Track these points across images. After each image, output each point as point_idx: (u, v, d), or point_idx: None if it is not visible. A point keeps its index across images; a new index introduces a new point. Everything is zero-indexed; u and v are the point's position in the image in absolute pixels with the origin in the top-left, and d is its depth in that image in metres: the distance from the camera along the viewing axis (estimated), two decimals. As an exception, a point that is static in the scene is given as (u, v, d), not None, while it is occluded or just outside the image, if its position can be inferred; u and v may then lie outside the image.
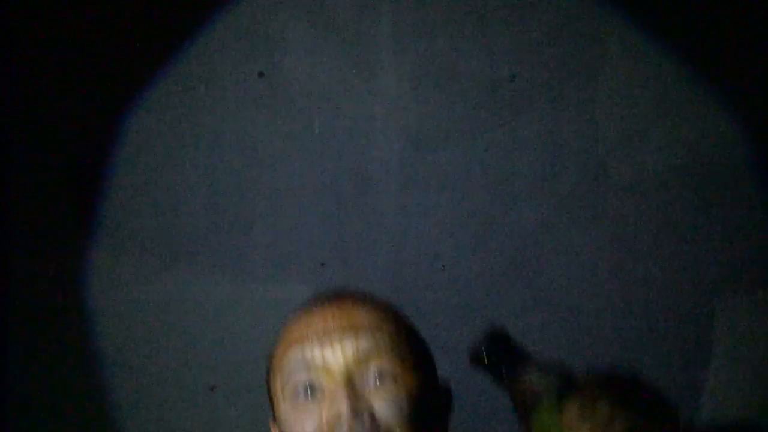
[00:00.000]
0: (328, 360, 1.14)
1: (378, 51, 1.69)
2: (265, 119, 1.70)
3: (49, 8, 1.74)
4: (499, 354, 1.04)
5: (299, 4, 1.71)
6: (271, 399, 1.20)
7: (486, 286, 1.65)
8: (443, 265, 1.66)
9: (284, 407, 1.16)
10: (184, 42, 1.73)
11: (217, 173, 1.70)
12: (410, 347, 1.16)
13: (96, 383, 1.68)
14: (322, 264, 1.68)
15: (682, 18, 1.61)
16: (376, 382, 1.13)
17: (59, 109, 1.75)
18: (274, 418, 1.20)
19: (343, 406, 1.09)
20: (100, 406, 1.66)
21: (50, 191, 1.75)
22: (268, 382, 1.21)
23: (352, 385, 1.12)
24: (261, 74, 1.71)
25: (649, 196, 1.62)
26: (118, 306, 1.69)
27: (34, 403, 1.68)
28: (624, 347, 1.62)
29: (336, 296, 1.20)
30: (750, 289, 1.57)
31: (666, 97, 1.57)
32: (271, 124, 1.70)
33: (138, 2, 1.74)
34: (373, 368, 1.13)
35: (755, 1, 1.57)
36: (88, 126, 1.74)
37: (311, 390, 1.13)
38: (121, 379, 1.68)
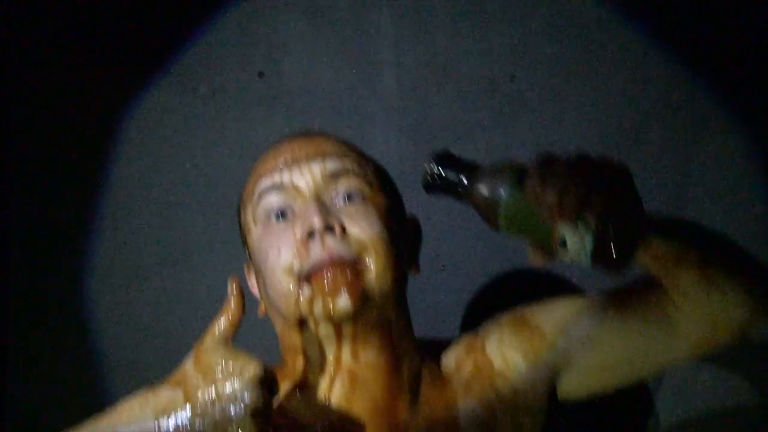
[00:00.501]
0: (297, 182, 1.16)
1: (378, 51, 1.69)
2: (265, 119, 1.70)
3: (49, 8, 1.74)
4: (449, 170, 1.03)
5: (299, 4, 1.71)
6: (244, 238, 1.22)
7: (486, 286, 1.65)
8: (443, 265, 1.66)
9: (256, 233, 1.18)
10: (185, 42, 1.73)
11: (217, 173, 1.70)
12: (377, 173, 1.21)
13: (96, 383, 1.68)
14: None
15: (682, 17, 1.61)
16: (345, 201, 1.16)
17: (59, 109, 1.75)
18: (249, 257, 1.22)
19: (315, 220, 1.11)
20: (100, 405, 1.66)
21: (50, 191, 1.75)
22: (239, 221, 1.24)
23: (321, 202, 1.14)
24: (261, 74, 1.71)
25: (648, 195, 1.61)
26: (118, 306, 1.69)
27: (34, 403, 1.68)
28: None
29: (302, 131, 1.25)
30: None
31: (666, 97, 1.57)
32: (271, 124, 1.70)
33: (138, 2, 1.74)
34: (342, 188, 1.16)
35: (755, 1, 1.57)
36: (88, 126, 1.74)
37: (282, 214, 1.16)
38: (121, 379, 1.68)
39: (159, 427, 0.99)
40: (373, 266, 1.12)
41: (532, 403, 1.19)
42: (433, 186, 1.05)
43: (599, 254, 0.95)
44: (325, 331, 1.13)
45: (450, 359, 1.23)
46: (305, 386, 1.17)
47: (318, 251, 1.11)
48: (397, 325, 1.17)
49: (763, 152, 1.57)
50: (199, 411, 0.98)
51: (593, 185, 0.94)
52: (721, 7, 1.58)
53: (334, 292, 1.10)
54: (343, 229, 1.13)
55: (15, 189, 1.76)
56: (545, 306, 1.24)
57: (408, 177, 1.66)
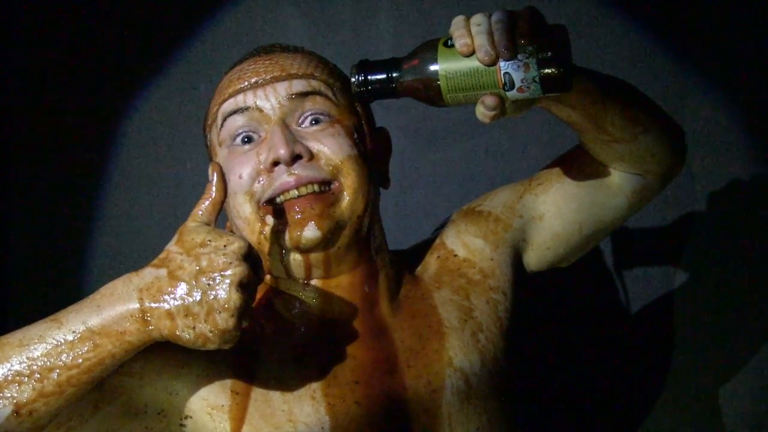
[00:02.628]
0: (261, 104, 1.14)
1: (378, 51, 1.69)
2: (265, 119, 1.70)
3: (51, 7, 1.74)
4: (375, 73, 1.03)
5: (299, 4, 1.71)
6: (210, 158, 1.20)
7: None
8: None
9: (222, 155, 1.16)
10: (185, 42, 1.73)
11: (217, 173, 1.70)
12: (345, 91, 1.17)
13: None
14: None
15: (682, 17, 1.61)
16: (312, 123, 1.14)
17: (59, 108, 1.75)
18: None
19: (281, 152, 1.09)
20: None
21: (50, 191, 1.75)
22: (206, 142, 1.22)
23: (287, 127, 1.12)
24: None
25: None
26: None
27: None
28: (625, 349, 1.62)
29: (266, 48, 1.21)
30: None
31: (666, 97, 1.57)
32: (271, 124, 1.69)
33: (138, 2, 1.74)
34: (308, 110, 1.14)
35: (755, 1, 1.57)
36: (88, 126, 1.74)
37: (248, 138, 1.14)
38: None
39: (143, 304, 0.95)
40: (346, 191, 1.12)
41: (502, 282, 1.22)
42: (368, 93, 1.04)
43: (546, 76, 0.97)
44: (292, 257, 1.12)
45: (416, 261, 1.25)
46: (278, 294, 1.16)
47: (284, 177, 1.10)
48: (371, 241, 1.17)
49: (764, 151, 1.57)
50: (184, 287, 0.95)
51: (515, 16, 0.97)
52: (721, 6, 1.58)
53: (301, 224, 1.09)
54: (311, 155, 1.11)
55: (15, 189, 1.76)
56: (489, 196, 1.29)
57: (409, 176, 1.67)
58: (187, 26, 1.73)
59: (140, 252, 1.71)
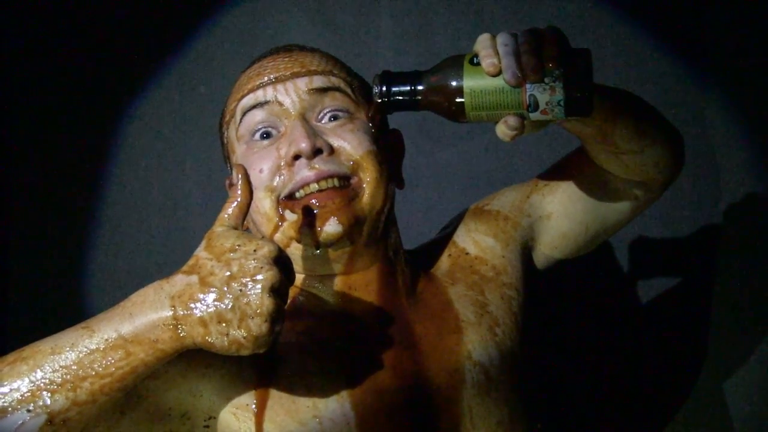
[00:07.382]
0: (281, 99, 1.14)
1: (378, 51, 1.69)
2: (266, 119, 1.70)
3: (51, 7, 1.75)
4: (398, 85, 1.03)
5: (299, 4, 1.71)
6: (226, 154, 1.21)
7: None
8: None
9: (240, 151, 1.16)
10: (185, 42, 1.73)
11: (217, 173, 1.70)
12: (362, 87, 1.19)
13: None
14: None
15: (681, 17, 1.61)
16: (331, 119, 1.15)
17: (60, 108, 1.75)
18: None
19: (303, 145, 1.10)
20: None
21: (50, 191, 1.75)
22: (222, 140, 1.22)
23: (308, 122, 1.13)
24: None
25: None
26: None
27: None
28: (627, 349, 1.62)
29: (284, 47, 1.22)
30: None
31: (665, 97, 1.57)
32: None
33: (138, 2, 1.74)
34: (327, 106, 1.15)
35: (754, 2, 1.57)
36: (88, 126, 1.74)
37: (267, 134, 1.14)
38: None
39: (175, 311, 0.94)
40: (366, 186, 1.12)
41: (514, 278, 1.23)
42: (389, 104, 1.03)
43: (571, 101, 0.97)
44: (312, 253, 1.12)
45: (427, 259, 1.26)
46: (298, 290, 1.16)
47: (305, 171, 1.10)
48: (388, 238, 1.18)
49: (763, 150, 1.57)
50: (216, 293, 0.94)
51: (542, 38, 0.97)
52: (720, 6, 1.59)
53: (322, 218, 1.09)
54: (332, 150, 1.12)
55: (15, 189, 1.76)
56: (496, 195, 1.30)
57: (410, 176, 1.66)
58: (187, 26, 1.74)
59: (140, 252, 1.72)
